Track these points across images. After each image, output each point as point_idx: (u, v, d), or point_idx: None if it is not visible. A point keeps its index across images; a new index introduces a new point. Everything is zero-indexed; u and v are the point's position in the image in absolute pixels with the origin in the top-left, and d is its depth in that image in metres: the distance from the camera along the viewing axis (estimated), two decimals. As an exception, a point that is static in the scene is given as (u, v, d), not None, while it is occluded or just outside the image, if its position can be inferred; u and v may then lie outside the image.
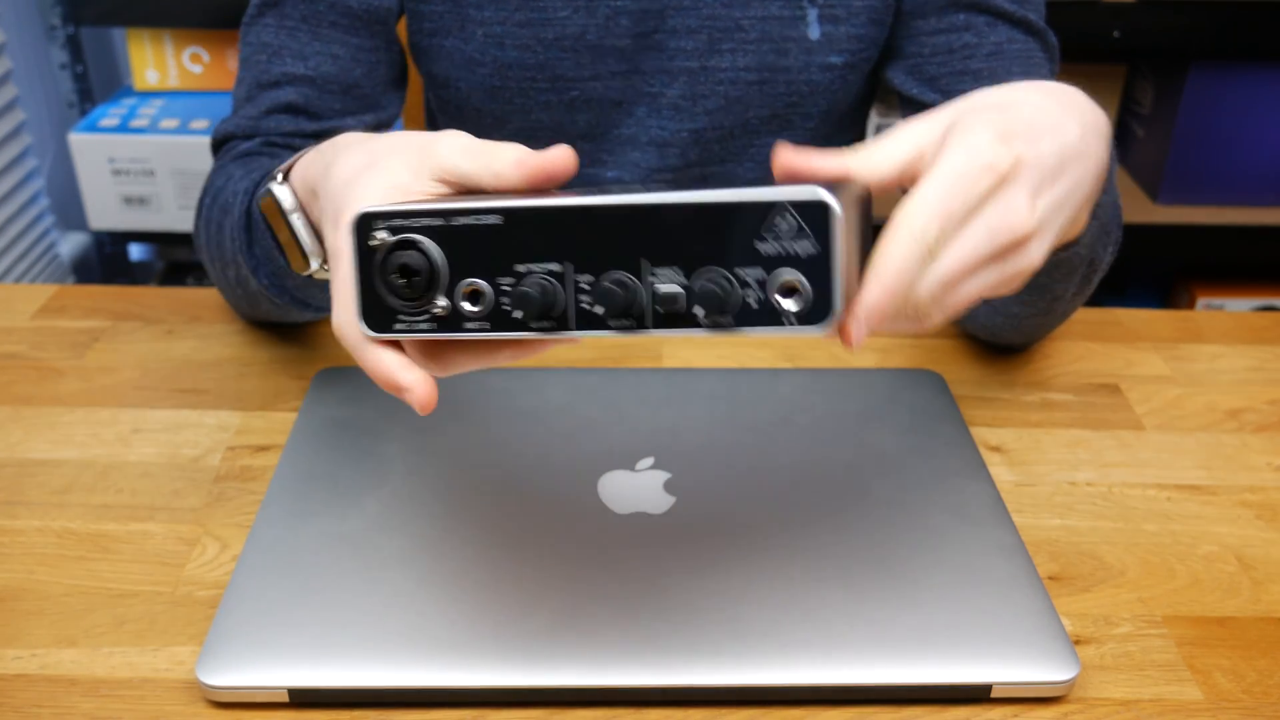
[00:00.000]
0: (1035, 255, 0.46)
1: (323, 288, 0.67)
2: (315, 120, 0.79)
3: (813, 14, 0.77)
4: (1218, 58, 1.48)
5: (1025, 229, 0.44)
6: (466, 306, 0.43)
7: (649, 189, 0.44)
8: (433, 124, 0.95)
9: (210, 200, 0.72)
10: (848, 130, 0.88)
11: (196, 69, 1.53)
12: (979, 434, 0.71)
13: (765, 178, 0.85)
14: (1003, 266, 0.45)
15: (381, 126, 0.84)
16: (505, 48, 0.78)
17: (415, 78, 1.10)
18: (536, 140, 0.83)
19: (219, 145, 0.79)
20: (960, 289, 0.44)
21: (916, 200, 0.43)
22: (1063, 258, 0.62)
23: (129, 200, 1.49)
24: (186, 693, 0.52)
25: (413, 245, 0.43)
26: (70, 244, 1.63)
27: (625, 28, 0.78)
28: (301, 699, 0.51)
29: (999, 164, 0.44)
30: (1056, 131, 0.47)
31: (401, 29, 0.83)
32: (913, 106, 0.81)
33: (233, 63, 1.52)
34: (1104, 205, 0.63)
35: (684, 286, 0.40)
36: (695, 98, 0.80)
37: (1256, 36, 1.44)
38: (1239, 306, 1.63)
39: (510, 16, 0.78)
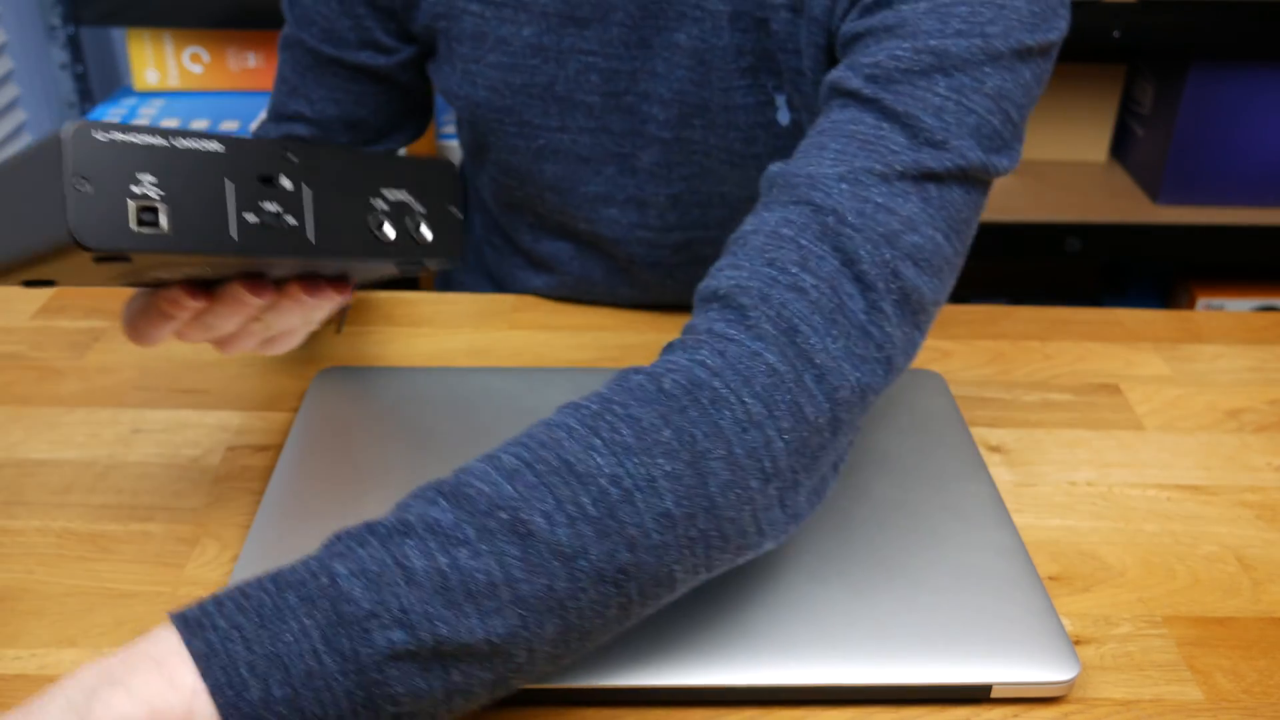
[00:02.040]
0: None
1: None
2: None
3: (780, 99, 0.73)
4: (1218, 58, 1.49)
5: None
6: None
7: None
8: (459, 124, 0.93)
9: None
10: None
11: (197, 69, 1.53)
12: (979, 434, 0.71)
13: None
14: None
15: (396, 149, 0.86)
16: (476, 86, 0.77)
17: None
18: (510, 181, 0.81)
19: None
20: None
21: None
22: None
23: (129, 200, 1.50)
24: (186, 693, 0.52)
25: None
26: (70, 244, 1.63)
27: (594, 84, 0.75)
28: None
29: None
30: None
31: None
32: None
33: (232, 63, 1.53)
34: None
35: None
36: (670, 164, 0.77)
37: (1256, 36, 1.45)
38: (1239, 306, 1.63)
39: (483, 56, 0.76)
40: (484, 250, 0.94)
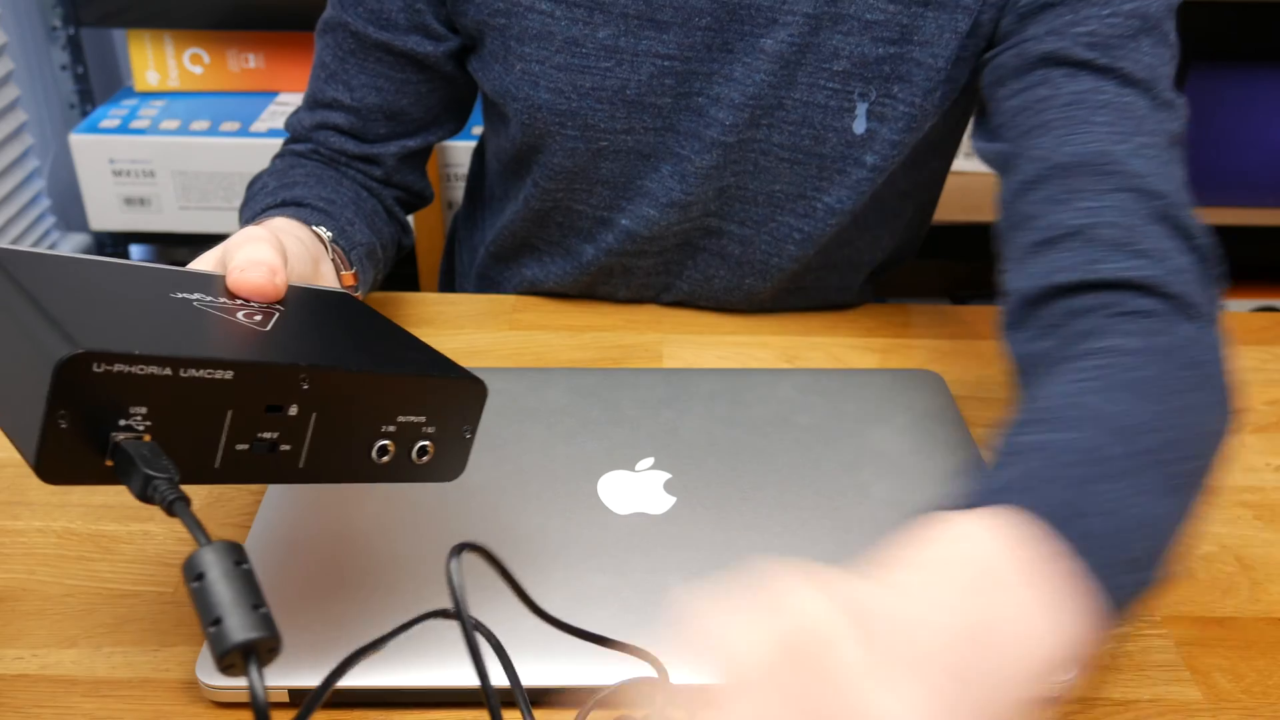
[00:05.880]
0: None
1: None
2: (360, 142, 0.80)
3: (861, 108, 0.72)
4: (1218, 58, 1.48)
5: None
6: None
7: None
8: (489, 120, 0.89)
9: (248, 194, 0.77)
10: (874, 232, 0.83)
11: (197, 70, 1.53)
12: (979, 434, 0.71)
13: (779, 254, 0.81)
14: None
15: (435, 143, 0.84)
16: (539, 88, 0.75)
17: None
18: (554, 185, 0.80)
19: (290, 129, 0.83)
20: None
21: None
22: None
23: (129, 201, 1.49)
24: (187, 693, 0.52)
25: None
26: (71, 245, 1.63)
27: (668, 86, 0.74)
28: (302, 699, 0.51)
29: None
30: None
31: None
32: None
33: (233, 64, 1.53)
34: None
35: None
36: (725, 165, 0.76)
37: (1256, 36, 1.44)
38: (1238, 307, 1.63)
39: (550, 58, 0.73)
40: (480, 252, 0.93)
